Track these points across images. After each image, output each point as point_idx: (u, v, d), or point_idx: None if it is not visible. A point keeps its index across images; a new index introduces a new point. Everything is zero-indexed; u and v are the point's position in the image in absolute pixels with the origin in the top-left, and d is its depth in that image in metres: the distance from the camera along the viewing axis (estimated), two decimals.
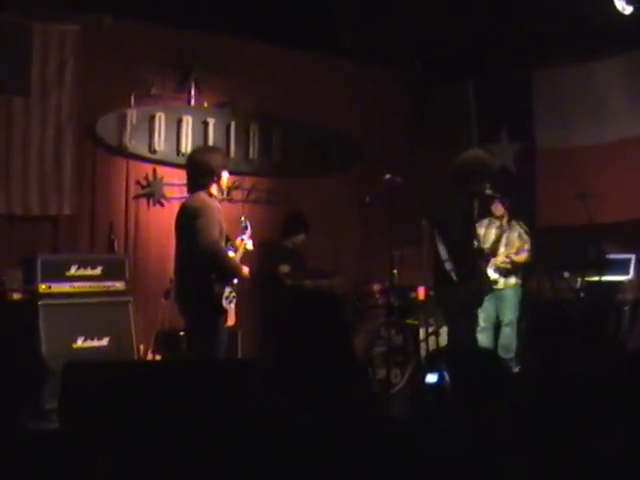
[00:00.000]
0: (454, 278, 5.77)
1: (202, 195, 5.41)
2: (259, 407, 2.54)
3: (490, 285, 6.60)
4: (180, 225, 5.47)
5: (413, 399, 2.77)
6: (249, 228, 5.79)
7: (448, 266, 5.78)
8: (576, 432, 2.26)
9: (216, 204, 5.40)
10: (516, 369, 7.30)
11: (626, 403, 2.48)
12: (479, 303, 6.23)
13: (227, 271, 5.37)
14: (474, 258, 6.04)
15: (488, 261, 6.81)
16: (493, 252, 7.07)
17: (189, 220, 5.31)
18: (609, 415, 2.34)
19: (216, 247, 5.23)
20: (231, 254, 5.51)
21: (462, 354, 3.02)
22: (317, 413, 2.44)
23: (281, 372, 2.56)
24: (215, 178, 5.46)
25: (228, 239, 5.53)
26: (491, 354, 3.12)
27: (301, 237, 7.99)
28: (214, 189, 5.48)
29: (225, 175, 5.57)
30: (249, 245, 5.71)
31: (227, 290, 5.36)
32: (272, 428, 2.42)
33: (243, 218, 5.92)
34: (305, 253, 8.11)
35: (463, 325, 6.02)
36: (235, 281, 5.47)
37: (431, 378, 2.66)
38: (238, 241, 5.64)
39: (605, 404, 2.36)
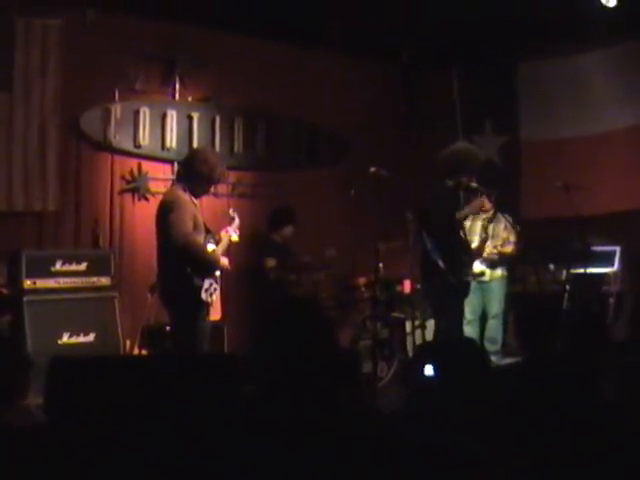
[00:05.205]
0: (442, 266, 5.78)
1: (176, 189, 5.45)
2: (248, 401, 2.54)
3: (474, 276, 6.63)
4: (158, 220, 5.49)
5: (409, 393, 2.75)
6: (237, 220, 5.81)
7: (435, 256, 5.80)
8: (566, 427, 2.25)
9: (189, 198, 5.41)
10: (502, 361, 7.33)
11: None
12: (466, 292, 6.25)
13: (201, 263, 5.38)
14: (460, 249, 6.06)
15: (476, 255, 6.84)
16: (481, 248, 7.08)
17: (164, 214, 5.34)
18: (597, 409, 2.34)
19: (188, 240, 5.25)
20: (211, 247, 5.51)
21: (447, 346, 3.02)
22: (308, 409, 2.43)
23: (273, 368, 2.56)
24: (198, 182, 5.48)
25: (208, 231, 5.53)
26: (473, 345, 3.11)
27: (289, 230, 7.98)
28: (188, 187, 5.47)
29: (205, 188, 5.60)
30: (234, 237, 5.73)
31: (207, 283, 5.36)
32: (261, 423, 2.42)
33: (231, 210, 5.96)
34: (292, 246, 8.10)
35: (451, 316, 6.04)
36: (218, 273, 5.48)
37: (429, 371, 2.64)
38: (223, 232, 5.66)
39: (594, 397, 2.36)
